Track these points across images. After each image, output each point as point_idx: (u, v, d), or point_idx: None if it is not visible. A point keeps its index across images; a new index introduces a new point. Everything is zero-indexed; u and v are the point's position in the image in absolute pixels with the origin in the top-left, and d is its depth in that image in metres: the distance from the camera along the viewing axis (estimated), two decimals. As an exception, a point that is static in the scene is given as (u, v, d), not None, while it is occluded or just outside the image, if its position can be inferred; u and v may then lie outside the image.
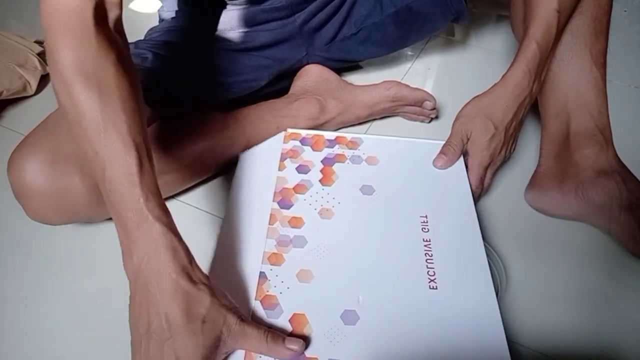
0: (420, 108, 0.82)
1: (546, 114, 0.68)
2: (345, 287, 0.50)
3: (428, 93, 0.81)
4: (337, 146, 0.65)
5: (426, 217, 0.56)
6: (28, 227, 0.63)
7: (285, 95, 0.82)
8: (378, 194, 0.59)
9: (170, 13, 0.78)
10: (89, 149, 0.44)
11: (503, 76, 0.62)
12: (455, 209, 0.58)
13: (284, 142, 0.66)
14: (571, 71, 0.65)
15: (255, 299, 0.49)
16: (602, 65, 0.65)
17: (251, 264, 0.52)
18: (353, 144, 0.65)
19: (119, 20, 0.49)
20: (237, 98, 0.77)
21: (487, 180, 0.65)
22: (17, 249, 0.67)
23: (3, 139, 0.82)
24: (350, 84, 0.84)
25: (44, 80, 0.92)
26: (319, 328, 0.47)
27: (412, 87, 0.81)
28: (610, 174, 0.64)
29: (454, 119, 0.65)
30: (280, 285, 0.50)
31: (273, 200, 0.58)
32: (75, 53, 0.44)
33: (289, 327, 0.47)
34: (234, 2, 0.74)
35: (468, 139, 0.63)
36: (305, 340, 0.46)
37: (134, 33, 0.64)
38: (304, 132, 0.68)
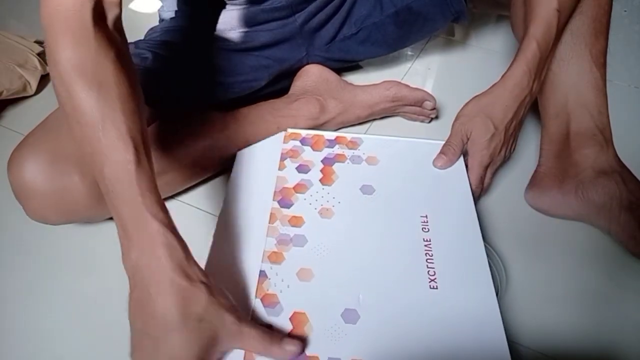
0: (420, 108, 0.82)
1: (546, 114, 0.68)
2: (345, 286, 0.50)
3: (428, 93, 0.81)
4: (337, 146, 0.65)
5: (426, 217, 0.56)
6: (28, 227, 0.63)
7: (285, 95, 0.82)
8: (378, 193, 0.59)
9: (170, 13, 0.78)
10: (88, 148, 0.45)
11: (503, 76, 0.62)
12: (455, 209, 0.58)
13: (284, 142, 0.66)
14: (571, 71, 0.65)
15: (256, 298, 0.49)
16: (602, 65, 0.65)
17: (251, 262, 0.52)
18: (353, 144, 0.65)
19: (118, 20, 0.49)
20: (237, 98, 0.77)
21: (487, 180, 0.65)
22: (17, 249, 0.67)
23: (3, 139, 0.82)
24: (350, 84, 0.84)
25: (44, 80, 0.92)
26: (320, 326, 0.47)
27: (412, 87, 0.81)
28: (610, 174, 0.64)
29: (454, 119, 0.65)
30: (281, 284, 0.50)
31: (273, 200, 0.58)
32: (74, 53, 0.44)
33: (289, 326, 0.47)
34: (234, 2, 0.74)
35: (468, 139, 0.63)
36: (306, 339, 0.46)
37: (134, 33, 0.64)
38: (304, 132, 0.68)
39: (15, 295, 0.62)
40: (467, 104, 0.64)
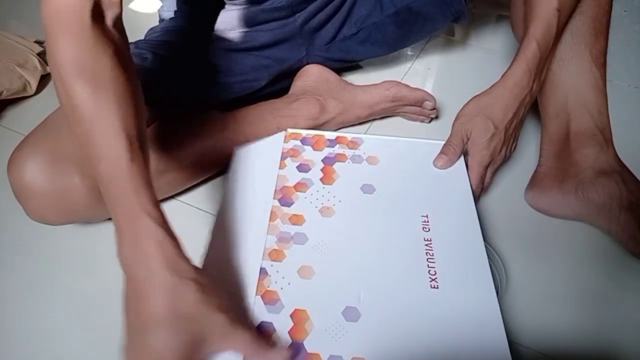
0: (420, 108, 0.82)
1: (546, 114, 0.68)
2: (346, 284, 0.50)
3: (428, 93, 0.81)
4: (337, 146, 0.65)
5: (427, 216, 0.56)
6: (28, 227, 0.63)
7: (285, 95, 0.82)
8: (379, 193, 0.59)
9: (170, 13, 0.78)
10: (85, 144, 0.45)
11: (503, 75, 0.62)
12: (455, 209, 0.58)
13: (285, 142, 0.66)
14: (571, 71, 0.65)
15: (256, 295, 0.49)
16: (602, 65, 0.65)
17: (251, 259, 0.52)
18: (353, 144, 0.65)
19: (118, 19, 0.49)
20: (237, 98, 0.77)
21: (487, 180, 0.65)
22: (17, 249, 0.67)
23: (3, 139, 0.82)
24: (350, 84, 0.84)
25: (44, 80, 0.92)
26: (320, 324, 0.47)
27: (412, 87, 0.81)
28: (610, 174, 0.64)
29: (454, 118, 0.65)
30: (281, 281, 0.50)
31: (274, 198, 0.58)
32: (71, 52, 0.45)
33: (290, 323, 0.47)
34: (234, 2, 0.74)
35: (468, 139, 0.63)
36: (306, 336, 0.46)
37: (134, 33, 0.64)
38: (304, 132, 0.68)
39: (15, 295, 0.62)
40: (467, 103, 0.64)
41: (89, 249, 0.66)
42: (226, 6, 0.75)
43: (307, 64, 0.84)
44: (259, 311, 0.48)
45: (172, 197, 0.71)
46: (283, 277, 0.50)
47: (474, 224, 0.56)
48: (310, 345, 0.45)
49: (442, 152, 0.63)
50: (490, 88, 0.63)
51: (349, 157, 0.64)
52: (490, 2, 1.01)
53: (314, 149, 0.65)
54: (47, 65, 0.92)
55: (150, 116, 0.66)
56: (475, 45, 1.04)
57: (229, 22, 0.76)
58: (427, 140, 0.66)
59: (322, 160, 0.63)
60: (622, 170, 0.64)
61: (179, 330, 0.40)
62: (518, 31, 0.69)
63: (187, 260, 0.43)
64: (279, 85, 0.83)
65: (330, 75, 0.83)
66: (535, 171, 0.71)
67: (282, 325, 0.47)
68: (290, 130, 0.67)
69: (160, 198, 0.69)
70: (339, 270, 0.51)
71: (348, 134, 0.67)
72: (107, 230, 0.66)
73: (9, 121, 0.86)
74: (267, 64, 0.78)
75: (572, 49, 0.64)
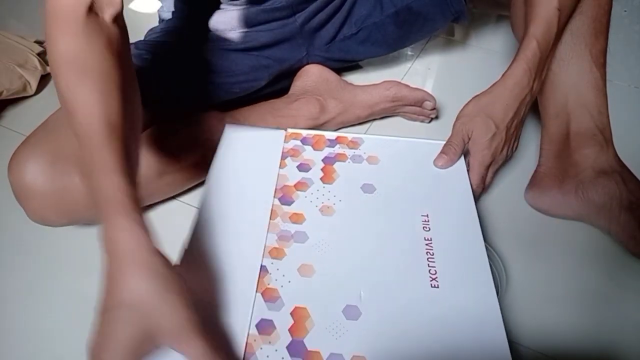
0: (420, 108, 0.82)
1: (546, 114, 0.68)
2: (346, 283, 0.50)
3: (428, 93, 0.81)
4: (337, 146, 0.65)
5: (427, 216, 0.56)
6: (28, 227, 0.63)
7: (285, 95, 0.82)
8: (379, 192, 0.59)
9: (169, 14, 0.78)
10: (74, 133, 0.45)
11: (503, 75, 0.62)
12: (456, 209, 0.58)
13: (285, 142, 0.66)
14: (571, 71, 0.65)
15: (256, 292, 0.49)
16: (602, 65, 0.65)
17: (252, 257, 0.52)
18: (354, 144, 0.65)
19: (119, 15, 0.50)
20: (237, 98, 0.77)
21: (488, 179, 0.65)
22: (17, 249, 0.67)
23: (3, 139, 0.82)
24: (350, 84, 0.84)
25: (44, 80, 0.92)
26: (321, 322, 0.47)
27: (412, 87, 0.81)
28: (610, 174, 0.64)
29: (454, 119, 0.65)
30: (282, 279, 0.50)
31: (274, 197, 0.58)
32: (63, 44, 0.46)
33: (290, 320, 0.47)
34: (234, 2, 0.74)
35: (469, 139, 0.63)
36: (307, 334, 0.46)
37: (134, 33, 0.64)
38: (304, 132, 0.68)
39: (15, 296, 0.62)
40: (467, 103, 0.64)
41: (89, 249, 0.66)
42: (226, 6, 0.75)
43: (307, 64, 0.84)
44: (259, 308, 0.48)
45: (173, 197, 0.71)
46: (283, 275, 0.50)
47: (474, 223, 0.56)
48: (310, 343, 0.45)
49: (442, 151, 0.63)
50: (490, 88, 0.63)
51: (349, 156, 0.64)
52: (490, 2, 1.01)
53: (314, 149, 0.65)
54: (47, 65, 0.93)
55: (150, 117, 0.66)
56: (475, 45, 1.04)
57: (229, 22, 0.76)
58: (427, 140, 0.66)
59: (323, 160, 0.63)
60: (622, 170, 0.64)
61: (126, 320, 0.39)
62: (518, 31, 0.69)
63: (154, 252, 0.41)
64: (279, 85, 0.83)
65: (330, 75, 0.83)
66: (535, 171, 0.71)
67: (282, 323, 0.47)
68: (290, 131, 0.67)
69: (160, 199, 0.70)
70: (339, 268, 0.51)
71: (348, 134, 0.67)
72: (107, 230, 0.66)
73: (9, 121, 0.86)
74: (267, 64, 0.78)
75: (572, 49, 0.64)
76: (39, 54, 0.94)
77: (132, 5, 1.17)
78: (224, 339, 0.45)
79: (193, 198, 0.72)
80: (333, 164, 0.63)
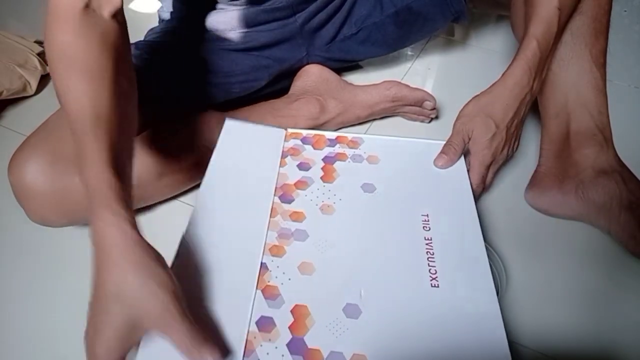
0: (420, 108, 0.82)
1: (546, 114, 0.68)
2: (347, 281, 0.50)
3: (428, 93, 0.81)
4: (338, 145, 0.65)
5: (427, 215, 0.56)
6: (29, 227, 0.63)
7: (285, 95, 0.82)
8: (379, 192, 0.59)
9: (169, 14, 0.78)
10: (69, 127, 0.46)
11: (503, 74, 0.62)
12: (456, 209, 0.58)
13: (285, 141, 0.66)
14: (571, 71, 0.65)
15: (257, 289, 0.49)
16: (602, 65, 0.65)
17: (252, 254, 0.52)
18: (354, 144, 0.65)
19: (118, 12, 0.51)
20: (237, 98, 0.77)
21: (489, 179, 0.65)
22: (18, 249, 0.67)
23: (3, 139, 0.82)
24: (350, 84, 0.84)
25: (44, 80, 0.92)
26: (321, 320, 0.47)
27: (412, 87, 0.81)
28: (610, 174, 0.64)
29: (454, 118, 0.65)
30: (282, 277, 0.50)
31: (274, 195, 0.59)
32: (57, 38, 0.47)
33: (290, 318, 0.47)
34: (234, 2, 0.74)
35: (469, 139, 0.63)
36: (307, 332, 0.46)
37: (134, 33, 0.64)
38: (304, 132, 0.68)
39: (16, 296, 0.62)
40: (467, 103, 0.64)
41: (89, 250, 0.66)
42: (226, 6, 0.75)
43: (307, 64, 0.84)
44: (260, 306, 0.48)
45: (173, 197, 0.71)
46: (284, 273, 0.51)
47: (474, 223, 0.56)
48: (310, 341, 0.45)
49: (442, 151, 0.63)
50: (490, 87, 0.63)
51: (349, 156, 0.64)
52: (490, 2, 1.01)
53: (314, 148, 0.65)
54: (47, 65, 0.93)
55: (149, 117, 0.66)
56: (475, 45, 1.04)
57: (229, 22, 0.76)
58: (428, 140, 0.66)
59: (323, 159, 0.63)
60: (622, 170, 0.64)
61: (115, 308, 0.40)
62: (518, 31, 0.69)
63: (139, 242, 0.42)
64: (279, 85, 0.83)
65: (330, 75, 0.83)
66: (535, 171, 0.71)
67: (282, 321, 0.47)
68: (290, 130, 0.67)
69: (161, 199, 0.70)
70: (340, 267, 0.51)
71: (348, 134, 0.67)
72: (107, 230, 0.66)
73: (9, 121, 0.86)
74: (267, 64, 0.78)
75: (572, 49, 0.64)
76: (39, 54, 0.94)
77: (132, 5, 1.17)
78: (223, 336, 0.45)
79: (193, 198, 0.72)
80: (333, 164, 0.63)
